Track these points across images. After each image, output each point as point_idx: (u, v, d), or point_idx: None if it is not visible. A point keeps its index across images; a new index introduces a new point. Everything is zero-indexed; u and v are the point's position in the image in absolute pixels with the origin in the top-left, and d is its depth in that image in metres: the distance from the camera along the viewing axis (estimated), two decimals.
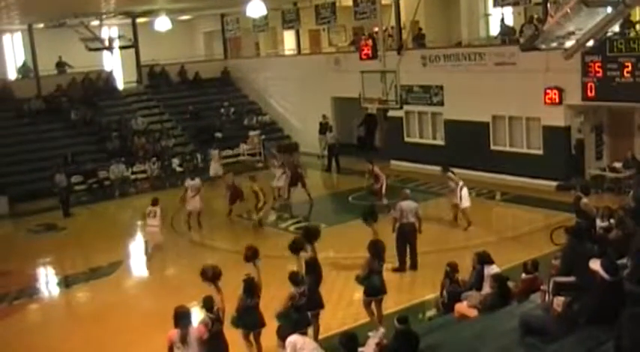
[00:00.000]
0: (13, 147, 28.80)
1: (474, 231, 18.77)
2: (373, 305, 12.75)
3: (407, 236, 16.05)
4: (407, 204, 16.20)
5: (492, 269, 11.84)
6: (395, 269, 15.79)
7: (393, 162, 27.37)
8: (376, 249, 12.71)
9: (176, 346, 9.78)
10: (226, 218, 21.79)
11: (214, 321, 10.48)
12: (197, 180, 21.68)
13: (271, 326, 11.55)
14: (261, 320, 11.63)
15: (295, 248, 12.18)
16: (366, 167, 21.93)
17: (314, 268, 12.32)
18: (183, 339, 9.75)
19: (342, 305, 13.28)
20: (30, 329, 15.20)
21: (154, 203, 20.96)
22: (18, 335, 14.55)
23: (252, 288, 11.46)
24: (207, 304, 10.61)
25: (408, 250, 16.15)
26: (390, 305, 13.38)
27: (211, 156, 28.29)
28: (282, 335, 10.14)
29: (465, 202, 19.07)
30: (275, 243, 18.75)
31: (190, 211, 21.39)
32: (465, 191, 19.08)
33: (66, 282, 18.07)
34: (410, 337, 9.17)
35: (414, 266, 16.07)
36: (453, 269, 12.61)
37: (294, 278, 11.67)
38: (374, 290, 12.63)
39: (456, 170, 20.88)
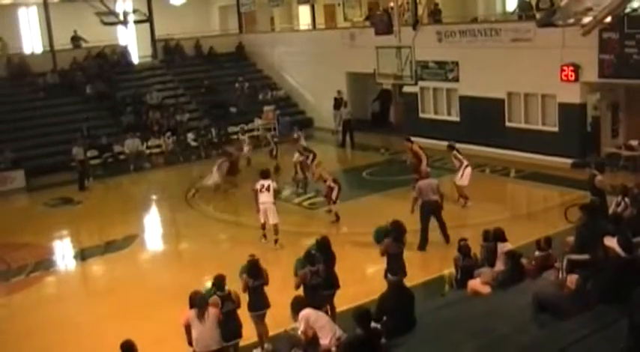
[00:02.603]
0: (30, 121, 28.90)
1: (488, 207, 18.75)
2: None
3: (431, 213, 16.04)
4: (426, 183, 16.22)
5: (505, 247, 11.82)
6: (418, 248, 15.77)
7: None
8: (397, 232, 12.59)
9: (193, 324, 9.97)
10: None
11: (224, 300, 10.55)
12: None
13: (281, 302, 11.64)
14: (266, 301, 11.59)
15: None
16: (405, 146, 21.24)
17: (326, 248, 12.19)
18: (201, 316, 9.94)
19: (354, 280, 13.32)
20: (46, 301, 15.39)
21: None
22: (34, 307, 14.74)
23: (256, 269, 11.44)
24: (218, 283, 10.70)
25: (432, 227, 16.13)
26: None
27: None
28: (296, 309, 10.16)
29: (464, 181, 18.92)
30: (289, 218, 18.83)
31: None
32: (467, 170, 18.93)
33: (82, 255, 18.21)
34: (404, 289, 9.39)
35: (446, 240, 15.98)
36: (465, 244, 12.62)
37: (308, 256, 11.67)
38: (394, 273, 12.44)
39: (470, 146, 20.84)
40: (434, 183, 16.30)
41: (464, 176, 18.87)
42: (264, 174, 17.38)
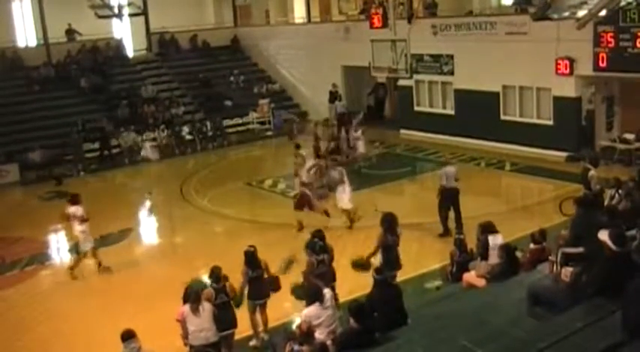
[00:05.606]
0: (24, 115, 28.76)
1: (483, 201, 18.75)
2: None
3: (450, 200, 16.20)
4: (449, 169, 16.46)
5: (497, 239, 11.81)
6: (440, 235, 16.07)
7: (402, 131, 27.33)
8: (389, 223, 12.57)
9: (189, 319, 10.03)
10: None
11: (218, 292, 10.59)
12: None
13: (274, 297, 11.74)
14: (266, 291, 11.69)
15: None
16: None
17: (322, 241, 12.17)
18: (196, 310, 10.01)
19: (351, 274, 13.31)
20: (41, 295, 15.36)
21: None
22: (30, 301, 14.73)
23: (253, 260, 11.47)
24: (214, 275, 10.70)
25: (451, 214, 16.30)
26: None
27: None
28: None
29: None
30: (284, 211, 18.82)
31: None
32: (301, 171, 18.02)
33: (76, 249, 18.16)
34: (391, 286, 9.40)
35: (459, 229, 15.89)
36: (461, 239, 12.63)
37: (312, 246, 11.70)
38: (389, 266, 12.37)
39: (466, 139, 20.61)
40: (453, 170, 16.50)
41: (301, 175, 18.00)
42: (74, 200, 16.12)
